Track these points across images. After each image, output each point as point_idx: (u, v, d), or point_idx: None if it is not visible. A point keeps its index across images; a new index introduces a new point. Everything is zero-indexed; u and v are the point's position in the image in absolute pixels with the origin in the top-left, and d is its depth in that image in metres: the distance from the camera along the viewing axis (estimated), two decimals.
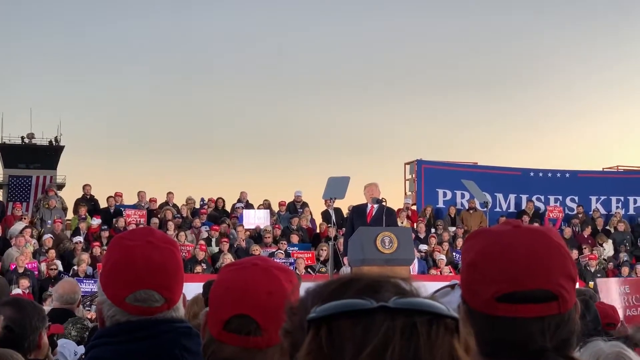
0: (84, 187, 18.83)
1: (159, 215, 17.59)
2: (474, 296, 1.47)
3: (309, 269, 15.96)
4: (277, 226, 17.93)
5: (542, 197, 22.26)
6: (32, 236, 16.18)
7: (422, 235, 18.53)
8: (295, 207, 19.24)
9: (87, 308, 11.17)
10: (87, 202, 18.29)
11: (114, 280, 1.97)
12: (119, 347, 1.92)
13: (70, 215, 18.37)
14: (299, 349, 0.99)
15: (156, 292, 1.95)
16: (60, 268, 14.92)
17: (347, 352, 0.92)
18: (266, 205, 19.31)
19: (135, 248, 1.96)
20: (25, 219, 17.03)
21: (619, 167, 24.23)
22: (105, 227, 16.87)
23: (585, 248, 18.59)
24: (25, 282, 13.49)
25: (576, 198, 22.24)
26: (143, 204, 18.42)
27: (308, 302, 1.04)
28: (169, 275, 1.98)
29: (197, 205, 18.92)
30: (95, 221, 17.07)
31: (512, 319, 1.42)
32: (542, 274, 1.44)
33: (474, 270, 1.49)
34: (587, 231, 19.81)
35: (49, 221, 17.05)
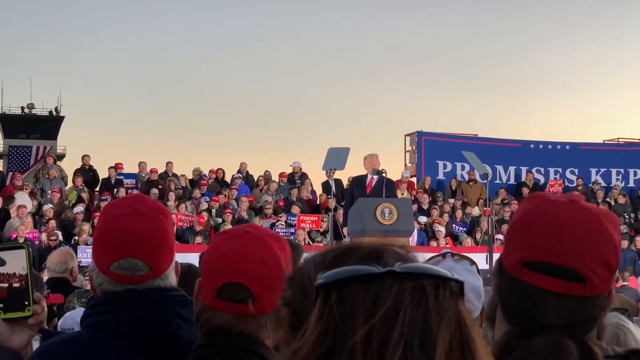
0: (83, 157, 18.87)
1: (159, 186, 17.59)
2: (507, 255, 1.48)
3: (309, 240, 15.97)
4: (280, 201, 17.89)
5: (542, 170, 22.23)
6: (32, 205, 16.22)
7: (425, 207, 18.54)
8: (295, 179, 19.22)
9: (86, 278, 11.19)
10: (86, 172, 18.30)
11: (99, 248, 1.97)
12: (114, 316, 1.92)
13: (70, 185, 18.40)
14: (301, 317, 0.99)
15: (140, 261, 1.93)
16: (61, 238, 14.95)
17: (359, 316, 0.94)
18: (267, 176, 19.29)
19: (120, 216, 1.95)
20: (26, 189, 17.03)
21: (620, 140, 24.17)
22: (106, 197, 16.88)
23: None
24: None
25: (576, 170, 22.20)
26: (144, 175, 18.42)
27: (311, 270, 1.04)
28: (154, 244, 1.95)
29: (191, 176, 18.96)
30: (105, 197, 17.13)
31: (533, 287, 1.41)
32: (575, 253, 1.40)
33: (514, 231, 1.49)
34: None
35: (49, 191, 17.06)
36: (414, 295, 0.94)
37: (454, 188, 20.45)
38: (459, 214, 18.76)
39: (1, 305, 1.76)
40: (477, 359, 0.96)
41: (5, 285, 1.76)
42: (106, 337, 1.90)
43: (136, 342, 1.90)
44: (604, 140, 24.15)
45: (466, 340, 0.96)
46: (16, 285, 1.78)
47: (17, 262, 1.78)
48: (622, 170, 22.60)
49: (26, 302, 1.78)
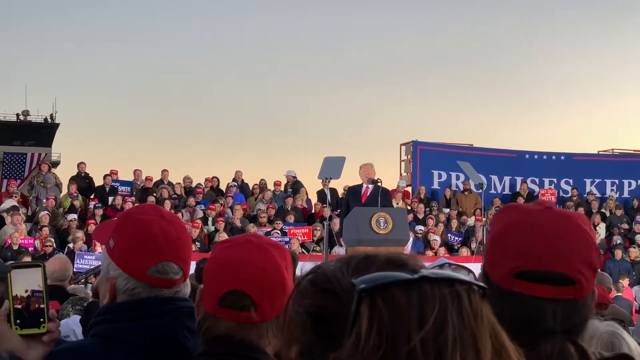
0: (79, 165, 18.80)
1: (154, 194, 17.56)
2: (493, 269, 1.48)
3: (302, 249, 15.96)
4: (271, 206, 17.92)
5: (537, 180, 22.29)
6: (26, 213, 16.15)
7: (420, 216, 18.56)
8: (292, 187, 19.21)
9: (80, 285, 11.15)
10: (82, 180, 18.25)
11: (133, 254, 1.95)
12: (121, 325, 1.91)
13: (65, 192, 18.34)
14: (332, 322, 0.99)
15: (175, 264, 1.95)
16: (54, 245, 14.91)
17: (411, 320, 0.94)
18: (262, 185, 19.29)
19: (152, 221, 1.96)
20: (15, 196, 16.96)
21: (615, 150, 24.23)
22: (100, 205, 16.84)
23: None
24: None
25: (571, 181, 22.27)
26: (139, 183, 18.39)
27: (338, 277, 1.03)
28: (184, 248, 2.00)
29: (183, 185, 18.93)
30: (93, 204, 17.06)
31: (527, 296, 1.43)
32: (563, 258, 1.44)
33: (497, 244, 1.50)
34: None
35: (44, 199, 17.00)
36: (453, 299, 0.96)
37: (448, 197, 20.49)
38: (454, 223, 18.80)
39: (18, 321, 1.83)
40: (512, 357, 1.00)
41: (23, 302, 1.84)
42: (112, 345, 1.90)
43: (142, 352, 1.89)
44: (598, 151, 24.21)
45: (501, 341, 0.99)
46: (33, 302, 1.84)
47: (33, 280, 1.85)
48: (616, 181, 22.67)
49: (41, 319, 1.84)
